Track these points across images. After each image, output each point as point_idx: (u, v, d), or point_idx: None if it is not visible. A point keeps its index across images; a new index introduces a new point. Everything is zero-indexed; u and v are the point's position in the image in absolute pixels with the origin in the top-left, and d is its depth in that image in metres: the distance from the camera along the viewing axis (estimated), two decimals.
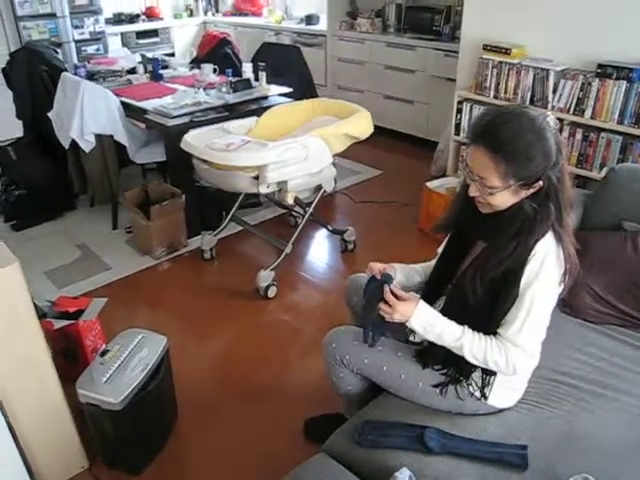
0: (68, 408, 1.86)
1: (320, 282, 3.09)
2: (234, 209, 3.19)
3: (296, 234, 2.91)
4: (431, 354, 1.57)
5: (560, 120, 3.13)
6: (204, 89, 3.48)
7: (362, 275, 1.94)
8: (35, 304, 1.74)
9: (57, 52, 3.98)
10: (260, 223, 3.60)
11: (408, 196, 3.88)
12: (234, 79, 3.44)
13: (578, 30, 3.07)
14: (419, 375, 1.57)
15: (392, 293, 1.46)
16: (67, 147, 3.43)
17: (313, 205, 2.93)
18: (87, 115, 3.21)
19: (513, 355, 1.41)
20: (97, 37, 5.62)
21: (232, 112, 3.27)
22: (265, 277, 2.83)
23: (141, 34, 6.12)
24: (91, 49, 5.57)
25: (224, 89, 3.40)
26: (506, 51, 3.20)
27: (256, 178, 2.61)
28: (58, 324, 2.16)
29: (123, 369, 1.88)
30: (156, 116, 3.21)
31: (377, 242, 3.42)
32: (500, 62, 3.24)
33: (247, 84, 3.43)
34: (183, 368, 2.33)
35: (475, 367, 1.50)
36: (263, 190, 2.63)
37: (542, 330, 1.44)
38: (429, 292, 1.62)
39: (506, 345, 1.41)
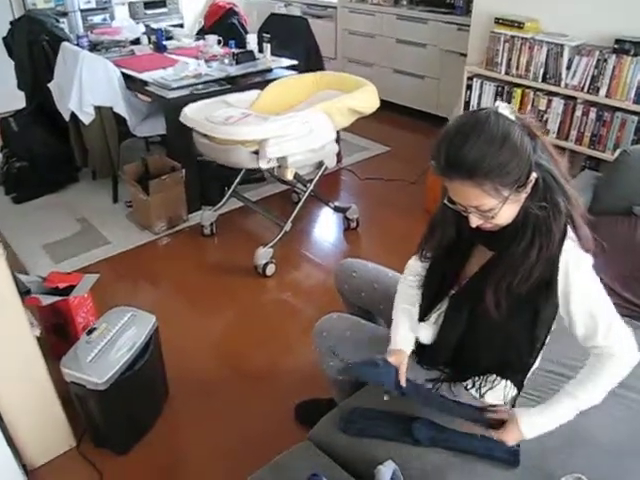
0: (54, 386, 1.83)
1: (321, 261, 3.03)
2: (235, 184, 3.12)
3: (296, 211, 2.84)
4: (430, 358, 1.50)
5: (573, 98, 3.00)
6: (207, 61, 3.39)
7: (352, 260, 1.87)
8: (17, 282, 1.69)
9: (58, 21, 3.90)
10: (262, 199, 3.53)
11: (415, 174, 3.78)
12: (237, 51, 3.34)
13: (595, 3, 2.92)
14: (412, 370, 1.51)
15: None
16: (67, 119, 3.38)
17: (314, 182, 2.85)
18: (86, 86, 3.15)
19: (625, 353, 1.30)
20: (104, 6, 5.51)
21: (234, 84, 3.18)
22: (263, 255, 2.77)
23: (149, 4, 5.97)
24: (97, 19, 5.47)
25: (226, 61, 3.31)
26: (519, 25, 3.05)
27: (256, 153, 2.53)
28: (47, 300, 2.12)
29: (109, 348, 1.84)
30: (156, 88, 3.13)
31: (381, 221, 3.35)
32: (512, 36, 3.09)
33: (250, 56, 3.32)
34: (177, 346, 2.30)
35: (474, 372, 1.45)
36: (263, 165, 2.56)
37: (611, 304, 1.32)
38: (429, 301, 1.50)
39: (610, 353, 1.29)
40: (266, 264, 2.78)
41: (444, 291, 1.49)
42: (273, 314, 2.62)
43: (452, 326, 1.44)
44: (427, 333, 1.50)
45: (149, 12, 5.97)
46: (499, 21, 3.15)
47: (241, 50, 3.37)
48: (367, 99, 2.79)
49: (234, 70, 3.24)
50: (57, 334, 2.24)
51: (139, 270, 2.94)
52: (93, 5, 5.46)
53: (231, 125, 2.45)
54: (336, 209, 3.20)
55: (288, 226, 2.81)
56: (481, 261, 1.39)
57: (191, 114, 2.60)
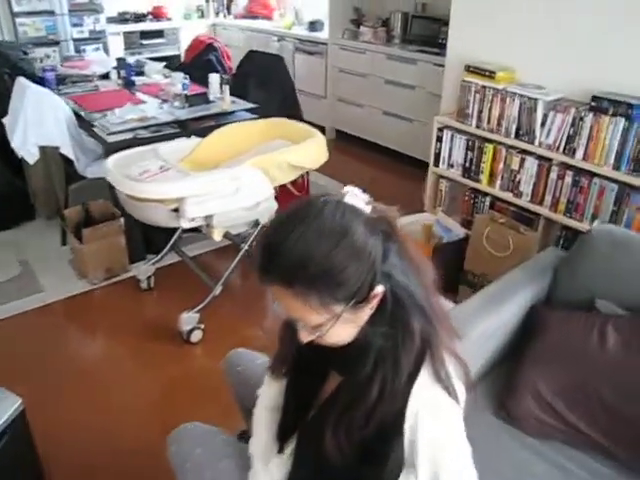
0: None
1: (258, 327, 2.71)
2: (175, 236, 2.88)
3: (226, 274, 2.57)
4: None
5: (548, 159, 2.67)
6: (163, 101, 3.19)
7: (241, 352, 1.64)
8: None
9: (26, 53, 3.77)
10: (210, 251, 3.26)
11: None
12: (189, 93, 3.12)
13: (573, 52, 2.60)
14: None
15: None
16: (20, 155, 3.21)
17: (249, 242, 2.59)
18: (31, 124, 2.99)
19: None
20: (97, 36, 5.44)
21: (185, 129, 2.96)
22: (188, 320, 2.51)
23: (146, 34, 5.89)
24: (90, 48, 5.39)
25: (177, 103, 3.09)
26: (490, 74, 2.75)
27: (177, 211, 2.30)
28: None
29: None
30: (99, 130, 2.93)
31: None
32: (483, 86, 2.78)
33: (203, 99, 3.10)
34: (74, 420, 2.11)
35: None
36: (185, 225, 2.33)
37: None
38: (284, 430, 1.22)
39: None
40: (191, 330, 2.52)
41: (301, 419, 1.20)
42: (193, 387, 2.35)
43: (299, 467, 1.15)
44: (280, 471, 1.22)
45: (145, 42, 5.89)
46: (470, 69, 2.84)
47: (196, 91, 3.15)
48: (311, 154, 2.53)
49: (184, 113, 3.02)
50: None
51: (62, 325, 2.73)
52: (86, 35, 5.40)
53: (144, 182, 2.22)
54: None
55: (218, 290, 2.55)
56: (332, 386, 1.10)
57: (112, 166, 2.38)
